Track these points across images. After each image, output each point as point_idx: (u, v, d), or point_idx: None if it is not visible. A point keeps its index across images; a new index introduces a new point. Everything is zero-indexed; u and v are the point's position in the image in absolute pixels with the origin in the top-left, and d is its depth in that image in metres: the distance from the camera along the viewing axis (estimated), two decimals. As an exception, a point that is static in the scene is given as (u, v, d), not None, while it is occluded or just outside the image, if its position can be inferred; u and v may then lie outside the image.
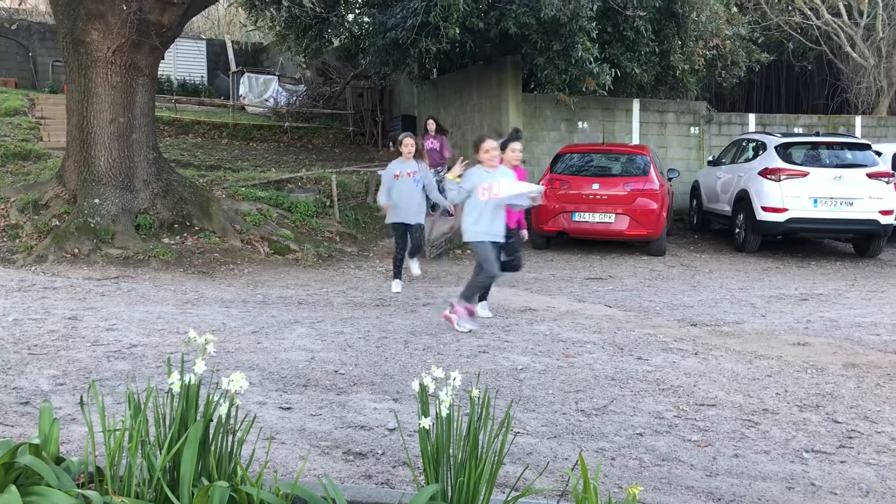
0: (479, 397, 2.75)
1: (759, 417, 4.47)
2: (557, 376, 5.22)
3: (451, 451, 2.67)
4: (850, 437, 4.18)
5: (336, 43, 19.23)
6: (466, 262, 11.26)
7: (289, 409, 4.32)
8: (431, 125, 13.86)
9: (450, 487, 2.65)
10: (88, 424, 2.63)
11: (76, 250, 9.45)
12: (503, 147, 6.79)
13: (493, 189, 6.46)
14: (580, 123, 16.30)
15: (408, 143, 8.38)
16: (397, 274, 8.81)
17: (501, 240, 6.61)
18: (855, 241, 12.51)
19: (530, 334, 6.51)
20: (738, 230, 12.60)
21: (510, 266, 7.31)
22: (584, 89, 14.13)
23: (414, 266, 8.88)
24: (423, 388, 2.72)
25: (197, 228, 10.50)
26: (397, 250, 8.78)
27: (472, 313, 6.59)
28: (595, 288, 9.37)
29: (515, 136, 7.15)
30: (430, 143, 13.44)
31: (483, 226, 6.49)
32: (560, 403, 4.62)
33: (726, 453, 3.89)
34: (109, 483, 2.47)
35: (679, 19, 14.48)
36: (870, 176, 11.56)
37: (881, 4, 19.00)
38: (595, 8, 12.95)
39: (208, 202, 10.93)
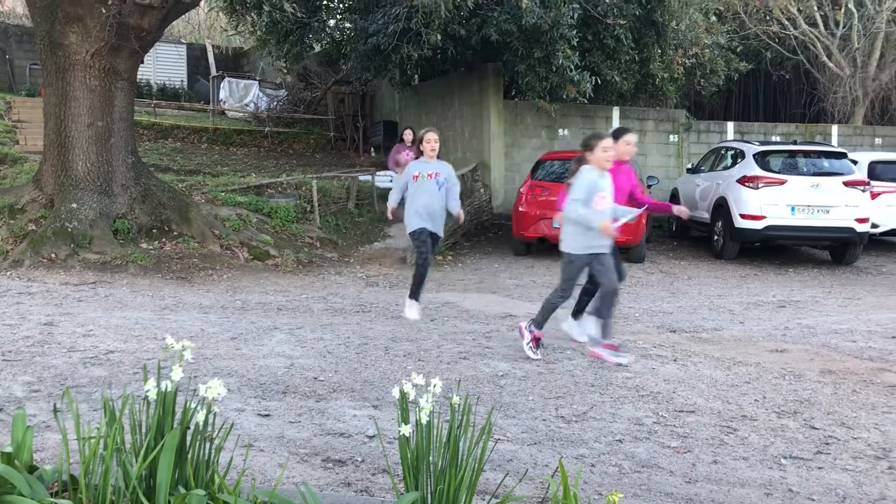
0: (459, 404, 2.74)
1: (738, 424, 4.50)
2: (538, 382, 5.22)
3: (431, 458, 2.66)
4: (828, 444, 4.21)
5: (317, 48, 19.19)
6: (447, 268, 11.27)
7: (267, 416, 4.29)
8: (409, 135, 12.80)
9: (430, 495, 2.63)
10: (62, 432, 2.59)
11: (53, 255, 9.35)
12: (615, 140, 6.09)
13: (609, 199, 5.82)
14: (561, 130, 16.38)
15: (431, 140, 7.27)
16: (415, 293, 7.46)
17: (607, 250, 5.89)
18: (831, 249, 12.64)
19: (511, 340, 6.51)
20: (716, 237, 12.69)
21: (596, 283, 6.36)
22: (564, 97, 14.19)
23: (412, 310, 7.48)
24: (403, 394, 2.71)
25: (176, 233, 10.42)
26: (420, 265, 7.37)
27: (538, 341, 5.96)
28: (575, 294, 9.38)
29: (625, 129, 6.53)
30: (407, 156, 12.34)
31: (587, 239, 5.77)
32: (540, 410, 4.61)
33: (705, 460, 3.91)
34: (84, 492, 2.44)
35: (659, 28, 14.59)
36: (846, 184, 11.69)
37: (856, 15, 19.26)
38: (576, 16, 13.01)
39: (187, 207, 10.85)
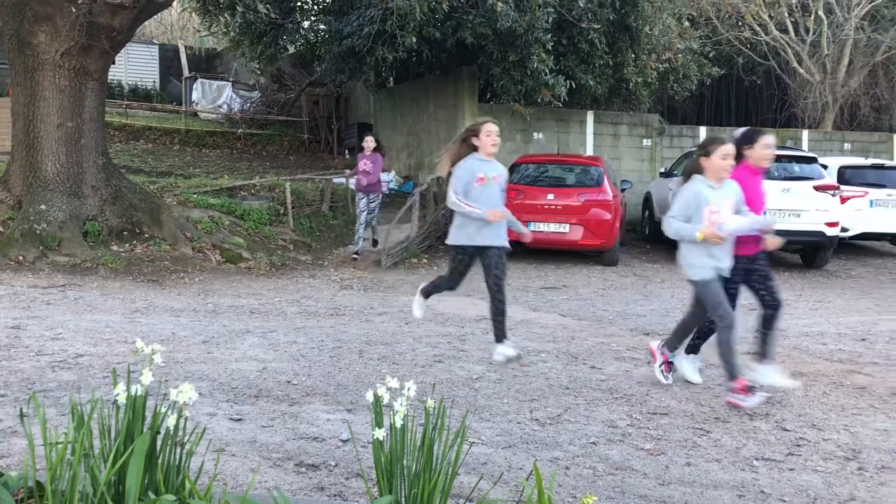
0: (434, 407, 2.73)
1: (711, 426, 4.52)
2: (512, 385, 5.22)
3: (405, 462, 2.64)
4: (799, 445, 4.25)
5: (291, 50, 19.10)
6: (422, 271, 11.25)
7: (240, 420, 4.24)
8: (370, 143, 11.64)
9: (404, 499, 2.62)
10: (29, 437, 2.54)
11: (21, 257, 9.20)
12: (751, 143, 5.21)
13: (722, 215, 4.93)
14: (536, 134, 16.43)
15: (493, 133, 5.73)
16: (429, 292, 6.12)
17: (727, 273, 5.02)
18: (802, 252, 12.79)
19: (486, 343, 6.50)
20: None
21: (771, 304, 5.36)
22: (539, 100, 14.25)
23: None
24: (377, 398, 2.69)
25: (147, 236, 10.30)
26: (449, 284, 5.99)
27: (748, 388, 4.88)
28: (549, 297, 9.42)
29: (758, 130, 5.52)
30: (364, 164, 11.52)
31: (712, 259, 4.94)
32: (515, 413, 4.61)
33: (679, 462, 3.93)
34: (51, 498, 2.39)
35: (632, 32, 14.69)
36: (816, 189, 11.84)
37: (826, 22, 19.53)
38: (550, 20, 13.07)
39: (159, 209, 10.73)
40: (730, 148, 4.94)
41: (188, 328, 6.63)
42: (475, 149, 5.81)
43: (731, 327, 4.89)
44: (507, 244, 5.84)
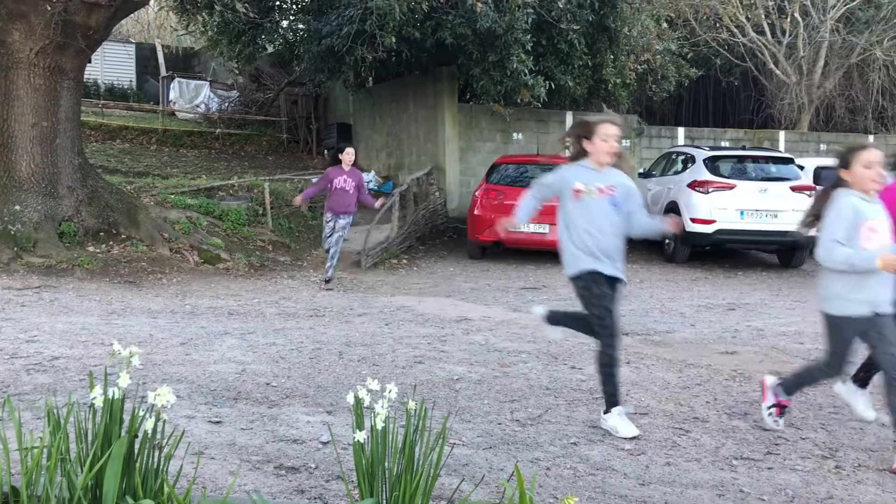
0: (415, 409, 2.71)
1: (690, 425, 4.55)
2: (493, 386, 5.21)
3: (386, 464, 2.63)
4: (777, 444, 4.28)
5: (270, 49, 19.01)
6: (402, 271, 11.23)
7: (219, 422, 4.21)
8: (349, 156, 9.88)
9: (385, 501, 2.61)
10: (3, 441, 2.50)
11: (-5, 258, 9.08)
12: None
13: (882, 234, 4.04)
14: (515, 134, 16.47)
15: (611, 135, 4.40)
16: (612, 402, 4.38)
17: (890, 308, 4.07)
18: (779, 252, 12.90)
19: (466, 344, 6.50)
20: (667, 241, 12.86)
21: None
22: (519, 101, 14.28)
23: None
24: (357, 400, 2.67)
25: (124, 237, 10.20)
26: (606, 349, 4.37)
27: None
28: (530, 298, 9.43)
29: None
30: (342, 182, 9.67)
31: (868, 291, 4.03)
32: (496, 413, 4.61)
33: (658, 462, 3.94)
34: (26, 503, 2.35)
35: (611, 33, 14.76)
36: (793, 189, 11.95)
37: (802, 24, 19.75)
38: (530, 20, 13.10)
39: (136, 209, 10.63)
40: (875, 154, 4.06)
41: (166, 330, 6.57)
42: (586, 154, 4.50)
43: (830, 377, 4.40)
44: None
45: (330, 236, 9.77)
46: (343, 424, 4.22)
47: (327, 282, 9.78)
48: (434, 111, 16.17)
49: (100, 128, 19.71)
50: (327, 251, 9.90)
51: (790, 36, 20.13)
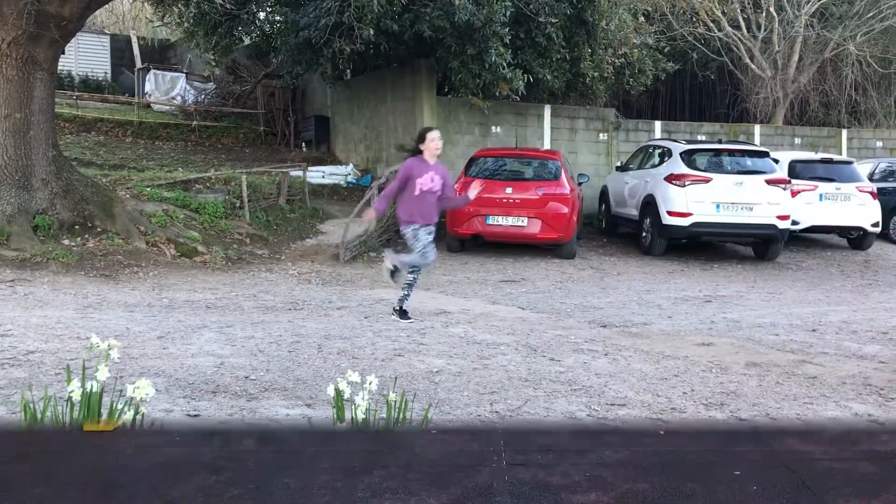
0: (395, 401, 2.72)
1: (668, 416, 4.59)
2: (472, 378, 5.23)
3: (366, 456, 2.63)
4: (753, 434, 4.33)
5: (247, 41, 18.87)
6: (381, 264, 11.19)
7: (197, 416, 4.18)
8: (437, 143, 7.24)
9: (365, 493, 2.60)
10: (-21, 436, 2.47)
11: (-33, 252, 8.95)
12: None
13: None
14: (494, 128, 16.47)
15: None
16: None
17: None
18: (754, 245, 13.03)
19: (445, 337, 6.51)
20: (644, 234, 12.95)
21: None
22: (497, 94, 14.28)
23: None
24: (338, 392, 2.67)
25: (99, 230, 10.09)
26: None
27: None
28: (508, 290, 9.46)
29: None
30: (428, 181, 7.18)
31: None
32: (475, 405, 4.62)
33: (637, 452, 3.97)
34: (3, 498, 2.33)
35: (589, 27, 14.80)
36: (768, 182, 12.07)
37: (777, 19, 19.92)
38: (508, 14, 13.10)
39: (111, 202, 10.52)
40: None
41: (143, 323, 6.52)
42: None
43: None
44: None
45: (425, 249, 7.18)
46: (322, 417, 4.21)
47: (403, 313, 7.27)
48: (412, 104, 16.13)
49: (74, 120, 19.47)
50: (412, 271, 7.38)
51: (765, 31, 20.30)
